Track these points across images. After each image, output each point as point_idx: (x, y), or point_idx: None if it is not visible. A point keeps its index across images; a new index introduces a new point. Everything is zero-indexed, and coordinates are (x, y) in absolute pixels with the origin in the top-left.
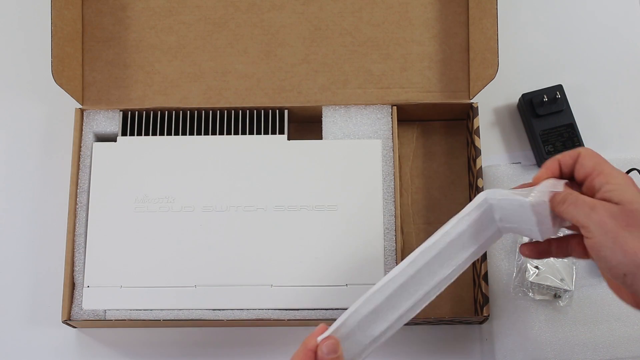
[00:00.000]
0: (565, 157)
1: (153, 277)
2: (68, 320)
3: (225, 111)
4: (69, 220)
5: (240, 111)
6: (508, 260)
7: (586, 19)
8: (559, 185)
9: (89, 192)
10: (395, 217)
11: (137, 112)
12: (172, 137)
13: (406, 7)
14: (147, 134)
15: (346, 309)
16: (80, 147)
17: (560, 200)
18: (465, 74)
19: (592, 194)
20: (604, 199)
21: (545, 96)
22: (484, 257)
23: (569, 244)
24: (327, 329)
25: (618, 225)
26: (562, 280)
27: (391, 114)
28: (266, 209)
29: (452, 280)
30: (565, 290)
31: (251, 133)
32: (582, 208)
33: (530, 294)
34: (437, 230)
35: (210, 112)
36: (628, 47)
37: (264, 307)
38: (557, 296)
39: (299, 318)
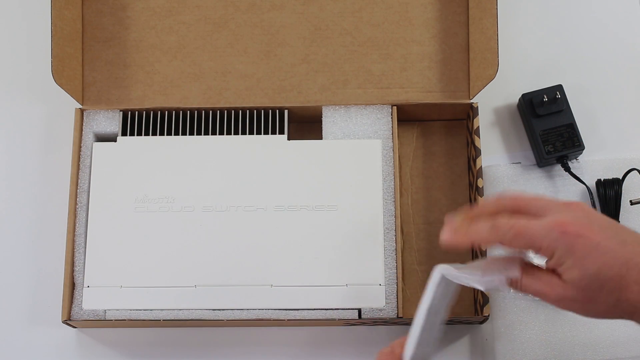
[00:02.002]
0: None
1: (153, 277)
2: (68, 320)
3: (225, 111)
4: (69, 220)
5: (240, 111)
6: None
7: (586, 19)
8: (514, 269)
9: (89, 192)
10: (395, 217)
11: (137, 112)
12: (172, 137)
13: (406, 7)
14: (147, 134)
15: (346, 309)
16: (80, 147)
17: (520, 289)
18: (465, 74)
19: (550, 264)
20: (557, 271)
21: (545, 96)
22: (484, 257)
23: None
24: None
25: (581, 306)
26: None
27: (391, 114)
28: (266, 209)
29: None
30: None
31: (251, 133)
32: (546, 297)
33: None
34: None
35: (210, 112)
36: (628, 47)
37: (264, 307)
38: None
39: (299, 318)
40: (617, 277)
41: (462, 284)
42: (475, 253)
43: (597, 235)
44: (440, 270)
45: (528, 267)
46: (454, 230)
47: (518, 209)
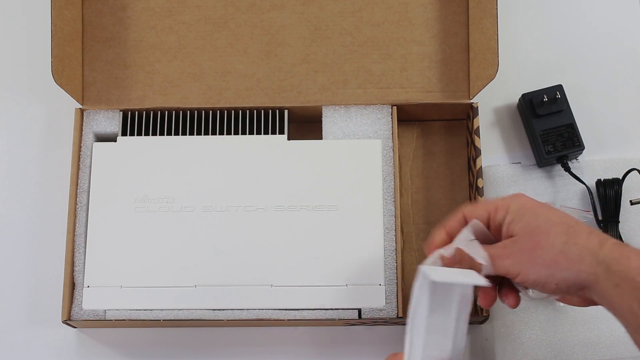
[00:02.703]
0: (451, 223)
1: (153, 277)
2: (68, 320)
3: (225, 111)
4: (69, 220)
5: (240, 111)
6: None
7: (586, 19)
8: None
9: (89, 192)
10: (395, 217)
11: (137, 112)
12: (172, 137)
13: (406, 7)
14: (147, 134)
15: (346, 309)
16: (80, 147)
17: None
18: (465, 74)
19: (502, 232)
20: (509, 235)
21: (545, 96)
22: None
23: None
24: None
25: (529, 255)
26: None
27: (391, 114)
28: (266, 209)
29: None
30: None
31: (251, 133)
32: (498, 264)
33: (531, 294)
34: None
35: (210, 112)
36: (628, 47)
37: (264, 307)
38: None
39: (299, 318)
40: (565, 224)
41: (446, 280)
42: None
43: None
44: (422, 271)
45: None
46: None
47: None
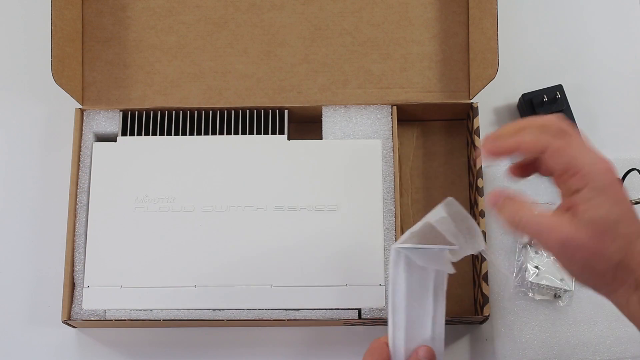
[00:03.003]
0: (527, 147)
1: (153, 277)
2: (68, 320)
3: (225, 111)
4: (69, 220)
5: (240, 111)
6: (508, 260)
7: (586, 19)
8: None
9: (89, 192)
10: (395, 217)
11: (137, 112)
12: (172, 137)
13: (406, 7)
14: (147, 134)
15: (346, 309)
16: (80, 147)
17: (519, 227)
18: (465, 74)
19: (566, 193)
20: (578, 212)
21: (545, 96)
22: (484, 257)
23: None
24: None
25: (587, 255)
26: (562, 280)
27: (391, 114)
28: (266, 209)
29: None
30: (565, 290)
31: (251, 133)
32: (547, 238)
33: (530, 294)
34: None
35: (210, 112)
36: (628, 47)
37: (264, 307)
38: (557, 296)
39: (299, 318)
40: (632, 234)
41: (431, 256)
42: None
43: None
44: (395, 247)
45: (529, 204)
46: (495, 137)
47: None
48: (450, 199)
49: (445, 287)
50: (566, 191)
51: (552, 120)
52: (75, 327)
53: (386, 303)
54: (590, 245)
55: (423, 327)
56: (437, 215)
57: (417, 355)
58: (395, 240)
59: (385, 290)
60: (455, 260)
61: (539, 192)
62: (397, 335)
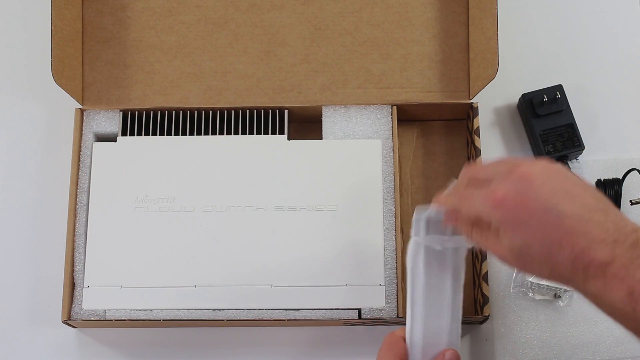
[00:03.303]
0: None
1: (153, 277)
2: (68, 320)
3: (225, 111)
4: (69, 220)
5: (240, 111)
6: None
7: (586, 19)
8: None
9: (89, 192)
10: (395, 217)
11: (137, 112)
12: (172, 137)
13: (406, 7)
14: (147, 134)
15: (346, 309)
16: (80, 147)
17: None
18: (465, 74)
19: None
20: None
21: (545, 96)
22: (484, 257)
23: None
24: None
25: (523, 269)
26: None
27: (391, 114)
28: (266, 209)
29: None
30: (565, 290)
31: (251, 133)
32: (494, 255)
33: (530, 294)
34: None
35: (210, 112)
36: (628, 47)
37: (264, 307)
38: (557, 296)
39: (299, 318)
40: (545, 254)
41: (437, 244)
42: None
43: (530, 209)
44: (414, 240)
45: (482, 225)
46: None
47: (474, 177)
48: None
49: (463, 274)
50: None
51: (466, 170)
52: (75, 327)
53: (405, 291)
54: (518, 265)
55: (441, 319)
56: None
57: (443, 358)
58: (396, 242)
59: (406, 280)
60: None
61: None
62: (415, 327)
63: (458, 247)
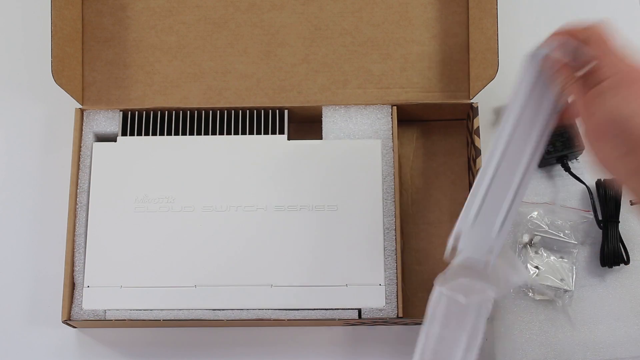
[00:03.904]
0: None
1: (153, 277)
2: (68, 320)
3: (225, 111)
4: (69, 220)
5: (240, 111)
6: None
7: (586, 19)
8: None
9: (89, 192)
10: (395, 217)
11: (137, 112)
12: (172, 137)
13: (406, 7)
14: (147, 134)
15: (346, 309)
16: (80, 147)
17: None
18: (465, 74)
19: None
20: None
21: None
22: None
23: None
24: None
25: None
26: (562, 280)
27: (391, 114)
28: (266, 209)
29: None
30: (565, 290)
31: (251, 133)
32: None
33: (530, 294)
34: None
35: (210, 112)
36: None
37: (264, 307)
38: (557, 296)
39: (299, 318)
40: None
41: (462, 294)
42: None
43: None
44: (438, 290)
45: (588, 81)
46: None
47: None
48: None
49: (481, 335)
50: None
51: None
52: (75, 327)
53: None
54: (606, 139)
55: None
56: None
57: None
58: (396, 242)
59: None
60: (498, 297)
61: (539, 192)
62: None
63: (482, 304)
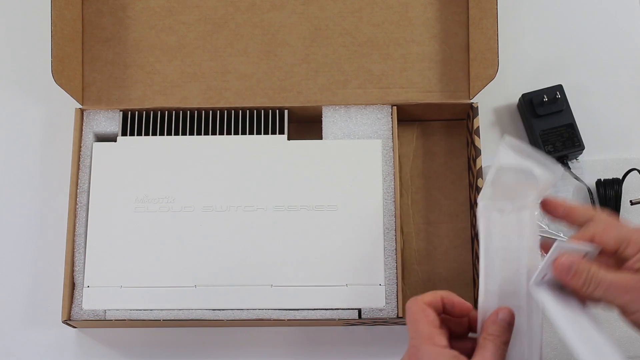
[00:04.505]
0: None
1: (153, 277)
2: (68, 320)
3: (225, 111)
4: (69, 220)
5: (240, 111)
6: None
7: (586, 19)
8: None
9: (89, 192)
10: (395, 217)
11: (137, 112)
12: (172, 137)
13: (406, 7)
14: (147, 134)
15: (346, 309)
16: (80, 147)
17: (583, 284)
18: (465, 74)
19: (619, 261)
20: (634, 269)
21: (545, 96)
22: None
23: None
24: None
25: None
26: None
27: (391, 114)
28: (266, 209)
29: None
30: None
31: (251, 133)
32: (614, 291)
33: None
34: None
35: (210, 112)
36: (628, 47)
37: (264, 307)
38: None
39: (299, 318)
40: None
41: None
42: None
43: None
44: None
45: (596, 265)
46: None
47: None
48: (507, 138)
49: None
50: (629, 265)
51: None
52: (75, 327)
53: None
54: None
55: (516, 282)
56: (507, 157)
57: (496, 317)
58: (396, 242)
59: (478, 246)
60: (545, 192)
61: None
62: (489, 290)
63: (528, 206)
